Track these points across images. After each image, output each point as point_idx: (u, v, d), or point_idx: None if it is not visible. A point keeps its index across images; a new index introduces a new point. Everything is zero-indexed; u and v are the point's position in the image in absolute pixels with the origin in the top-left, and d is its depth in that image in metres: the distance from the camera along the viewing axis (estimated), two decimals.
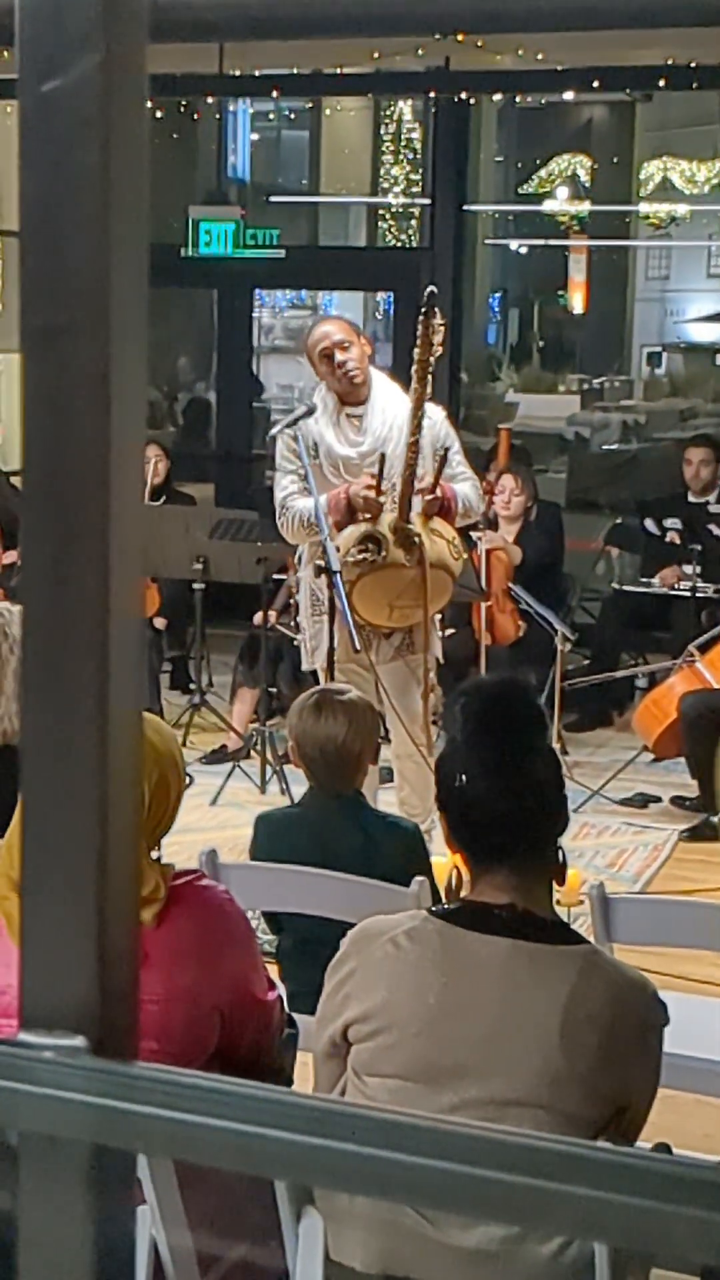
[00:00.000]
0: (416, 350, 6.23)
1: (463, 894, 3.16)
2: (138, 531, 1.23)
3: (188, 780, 3.36)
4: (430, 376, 6.31)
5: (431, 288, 6.40)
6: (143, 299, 1.22)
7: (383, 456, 6.38)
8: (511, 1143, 1.04)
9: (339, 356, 6.53)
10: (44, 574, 1.21)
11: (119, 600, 1.20)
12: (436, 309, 6.25)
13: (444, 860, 5.46)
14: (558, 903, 3.37)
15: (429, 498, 6.47)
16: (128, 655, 1.22)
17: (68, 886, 1.19)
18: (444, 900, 5.12)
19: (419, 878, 4.29)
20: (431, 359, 6.26)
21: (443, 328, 6.24)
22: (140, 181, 1.20)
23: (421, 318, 6.20)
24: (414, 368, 6.26)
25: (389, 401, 6.62)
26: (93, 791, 1.18)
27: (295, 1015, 3.64)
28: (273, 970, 3.86)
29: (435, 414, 6.61)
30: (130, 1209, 1.23)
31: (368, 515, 6.41)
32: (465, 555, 6.94)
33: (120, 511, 1.20)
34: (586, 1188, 0.99)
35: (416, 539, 6.40)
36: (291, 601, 8.53)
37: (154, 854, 3.38)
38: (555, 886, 3.13)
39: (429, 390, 6.36)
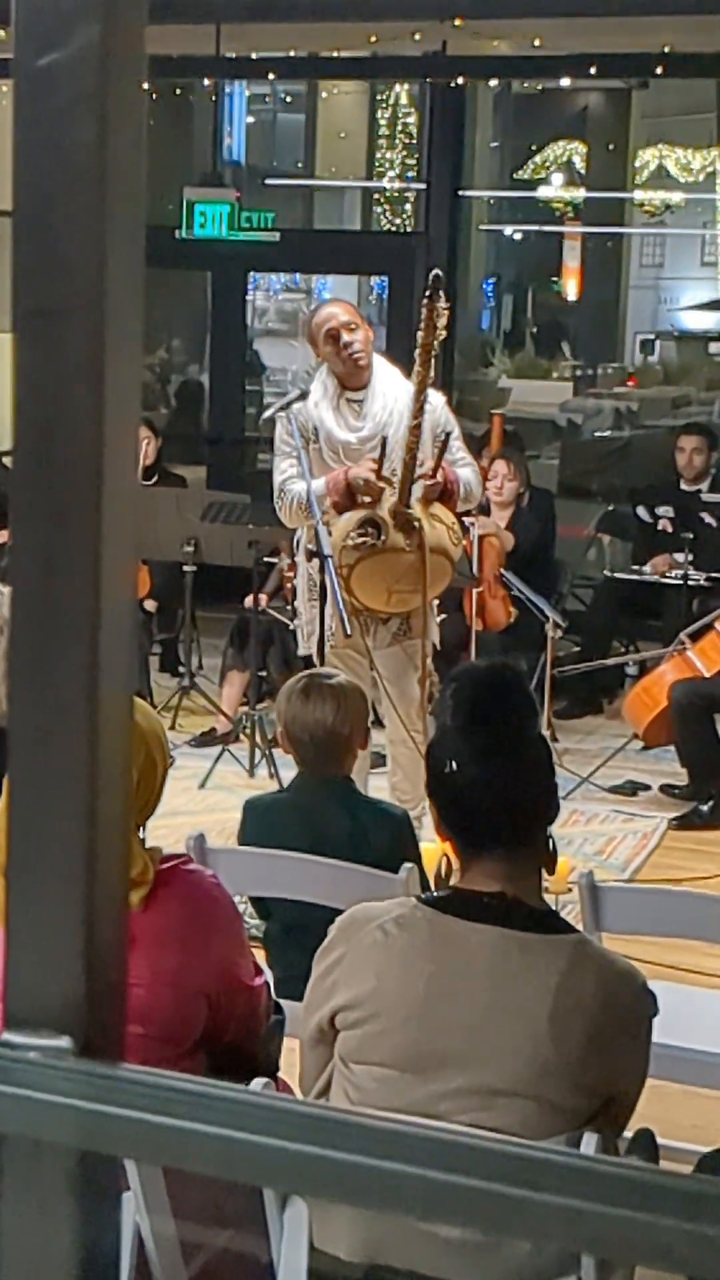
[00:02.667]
0: (420, 333, 6.18)
1: (452, 881, 3.14)
2: (131, 515, 1.21)
3: (171, 760, 3.35)
4: (433, 360, 6.28)
5: (436, 271, 6.31)
6: (139, 280, 1.20)
7: (384, 441, 6.35)
8: (500, 1150, 1.02)
9: (345, 338, 6.49)
10: (35, 556, 1.20)
11: (110, 583, 1.19)
12: (441, 292, 6.20)
13: (434, 847, 5.43)
14: (546, 891, 3.35)
15: (429, 482, 6.44)
16: (119, 638, 1.20)
17: (54, 881, 1.17)
18: (433, 887, 5.11)
19: (408, 864, 4.28)
20: (435, 342, 6.21)
21: (446, 311, 6.18)
22: (137, 160, 1.18)
23: (426, 301, 6.14)
24: (417, 351, 6.22)
25: (389, 386, 6.59)
26: (82, 781, 1.17)
27: (282, 1001, 3.63)
28: (260, 956, 3.85)
29: (436, 400, 6.58)
30: (115, 1213, 1.21)
31: (368, 499, 6.38)
32: (463, 541, 6.91)
33: (113, 494, 1.18)
34: (579, 1200, 0.98)
35: (416, 523, 6.38)
36: (287, 585, 8.51)
37: (140, 834, 3.37)
38: (544, 875, 3.12)
39: (431, 374, 6.32)
